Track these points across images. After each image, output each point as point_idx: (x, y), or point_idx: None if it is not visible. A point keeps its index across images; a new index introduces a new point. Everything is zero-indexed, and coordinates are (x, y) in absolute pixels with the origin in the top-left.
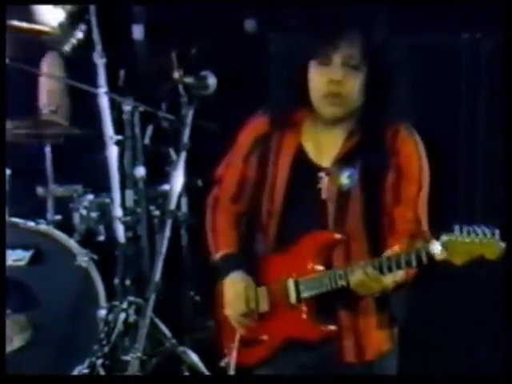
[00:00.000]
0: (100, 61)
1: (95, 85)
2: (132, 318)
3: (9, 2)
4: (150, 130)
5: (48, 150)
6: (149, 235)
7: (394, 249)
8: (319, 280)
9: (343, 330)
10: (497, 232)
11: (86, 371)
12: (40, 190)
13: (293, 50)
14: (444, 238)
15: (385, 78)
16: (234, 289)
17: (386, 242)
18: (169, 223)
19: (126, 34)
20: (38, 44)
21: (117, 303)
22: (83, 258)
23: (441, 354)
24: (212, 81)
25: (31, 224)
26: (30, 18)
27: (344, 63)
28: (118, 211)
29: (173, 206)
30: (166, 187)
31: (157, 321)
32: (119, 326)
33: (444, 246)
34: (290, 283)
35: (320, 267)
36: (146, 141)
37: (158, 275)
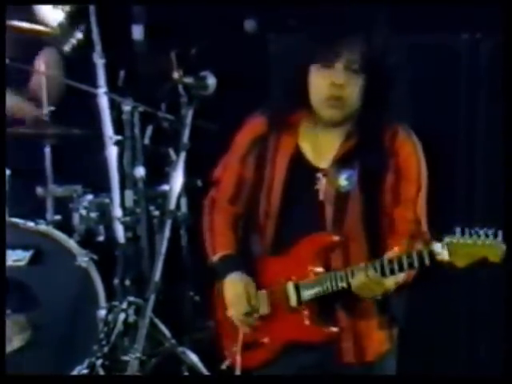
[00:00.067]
0: (100, 61)
1: (95, 85)
2: (132, 318)
3: (9, 2)
4: (149, 130)
5: (48, 150)
6: (148, 235)
7: (394, 250)
8: (319, 282)
9: (343, 331)
10: (499, 233)
11: (85, 371)
12: (40, 190)
13: (293, 51)
14: (446, 239)
15: (384, 80)
16: (234, 289)
17: (385, 242)
18: (168, 223)
19: (126, 34)
20: (36, 43)
21: (116, 303)
22: (83, 259)
23: (440, 354)
24: (212, 81)
25: (31, 224)
26: (30, 17)
27: (346, 67)
28: (117, 211)
29: (172, 206)
30: (165, 187)
31: (156, 321)
32: (119, 326)
33: (446, 247)
34: (290, 286)
35: (319, 269)
36: (146, 141)
37: (157, 275)
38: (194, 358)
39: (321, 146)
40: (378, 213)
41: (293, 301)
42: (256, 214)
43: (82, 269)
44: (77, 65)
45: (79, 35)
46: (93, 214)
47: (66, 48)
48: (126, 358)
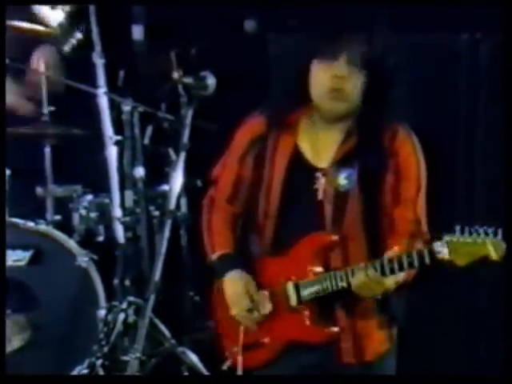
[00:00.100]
0: (99, 61)
1: (95, 85)
2: (131, 319)
3: (9, 2)
4: (149, 130)
5: (48, 150)
6: (148, 235)
7: (394, 249)
8: (319, 282)
9: (343, 331)
10: (499, 231)
11: (85, 371)
12: (39, 191)
13: (293, 50)
14: (446, 238)
15: (384, 79)
16: (234, 287)
17: (384, 242)
18: (168, 223)
19: (126, 34)
20: (34, 42)
21: (116, 303)
22: (83, 259)
23: (440, 353)
24: (211, 81)
25: (31, 224)
26: (30, 17)
27: (349, 61)
28: (117, 211)
29: (172, 206)
30: (165, 187)
31: (156, 321)
32: (119, 326)
33: (446, 246)
34: (290, 286)
35: (318, 269)
36: (146, 141)
37: (157, 275)
38: (193, 358)
39: (320, 146)
40: (377, 213)
41: (293, 300)
42: (255, 213)
43: (81, 269)
44: (77, 65)
45: (79, 35)
46: (93, 214)
47: (66, 48)
48: (125, 358)
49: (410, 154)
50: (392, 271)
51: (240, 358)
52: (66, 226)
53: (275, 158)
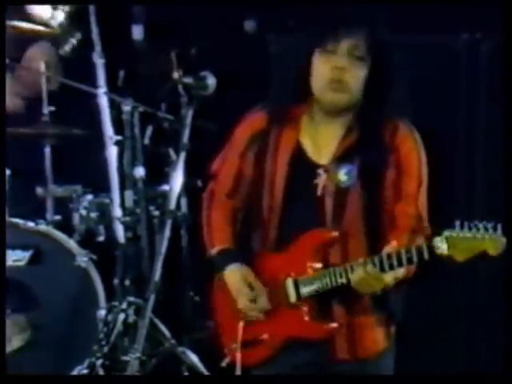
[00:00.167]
0: (99, 61)
1: (95, 85)
2: (131, 319)
3: (9, 2)
4: (149, 130)
5: (48, 150)
6: (148, 235)
7: (393, 245)
8: (319, 278)
9: (342, 328)
10: (499, 226)
11: (85, 371)
12: (39, 191)
13: (292, 49)
14: (445, 233)
15: (386, 74)
16: (235, 279)
17: (384, 238)
18: (168, 223)
19: (126, 34)
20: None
21: (116, 303)
22: (83, 259)
23: (440, 350)
24: (211, 81)
25: (31, 224)
26: (30, 17)
27: (349, 53)
28: (117, 211)
29: (172, 206)
30: (165, 187)
31: (156, 321)
32: (119, 326)
33: (445, 241)
34: (289, 282)
35: (318, 265)
36: (146, 141)
37: (157, 275)
38: (193, 357)
39: (321, 141)
40: (377, 209)
41: (292, 297)
42: (258, 208)
43: (81, 269)
44: (77, 65)
45: (79, 35)
46: (93, 214)
47: (66, 48)
48: (125, 358)
49: (411, 150)
50: (391, 267)
51: (238, 355)
52: (65, 226)
53: (277, 153)
